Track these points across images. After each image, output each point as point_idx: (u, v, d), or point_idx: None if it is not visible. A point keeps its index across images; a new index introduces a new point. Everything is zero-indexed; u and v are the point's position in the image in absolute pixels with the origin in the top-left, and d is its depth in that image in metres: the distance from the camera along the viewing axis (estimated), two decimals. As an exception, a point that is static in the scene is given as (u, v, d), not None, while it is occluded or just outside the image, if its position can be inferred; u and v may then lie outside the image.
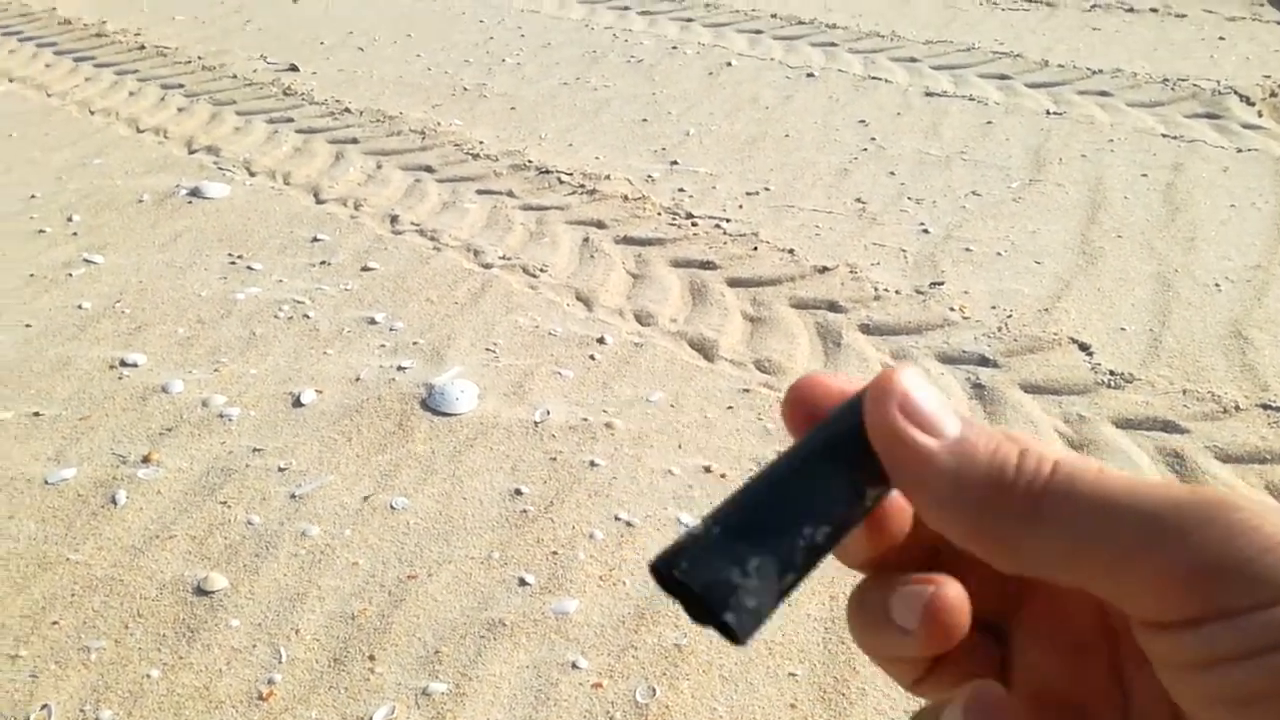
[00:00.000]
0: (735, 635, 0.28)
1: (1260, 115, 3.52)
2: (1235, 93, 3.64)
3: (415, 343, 2.43)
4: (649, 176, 3.29)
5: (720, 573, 0.28)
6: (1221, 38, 4.22)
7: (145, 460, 2.06)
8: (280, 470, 2.02)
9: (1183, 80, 3.76)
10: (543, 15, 4.94)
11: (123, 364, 2.38)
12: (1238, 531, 0.26)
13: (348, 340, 2.45)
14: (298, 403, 2.22)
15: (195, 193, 3.24)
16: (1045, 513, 0.28)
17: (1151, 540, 0.26)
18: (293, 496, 1.95)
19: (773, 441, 2.08)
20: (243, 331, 2.50)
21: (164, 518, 1.91)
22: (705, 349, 2.41)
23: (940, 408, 0.30)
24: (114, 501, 1.95)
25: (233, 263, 2.83)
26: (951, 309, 2.50)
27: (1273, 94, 3.65)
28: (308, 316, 2.55)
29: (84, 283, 2.75)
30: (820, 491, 0.29)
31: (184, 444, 2.11)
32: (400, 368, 2.33)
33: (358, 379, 2.30)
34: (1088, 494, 0.28)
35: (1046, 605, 0.33)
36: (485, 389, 2.25)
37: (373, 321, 2.52)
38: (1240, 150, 3.26)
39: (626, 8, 4.97)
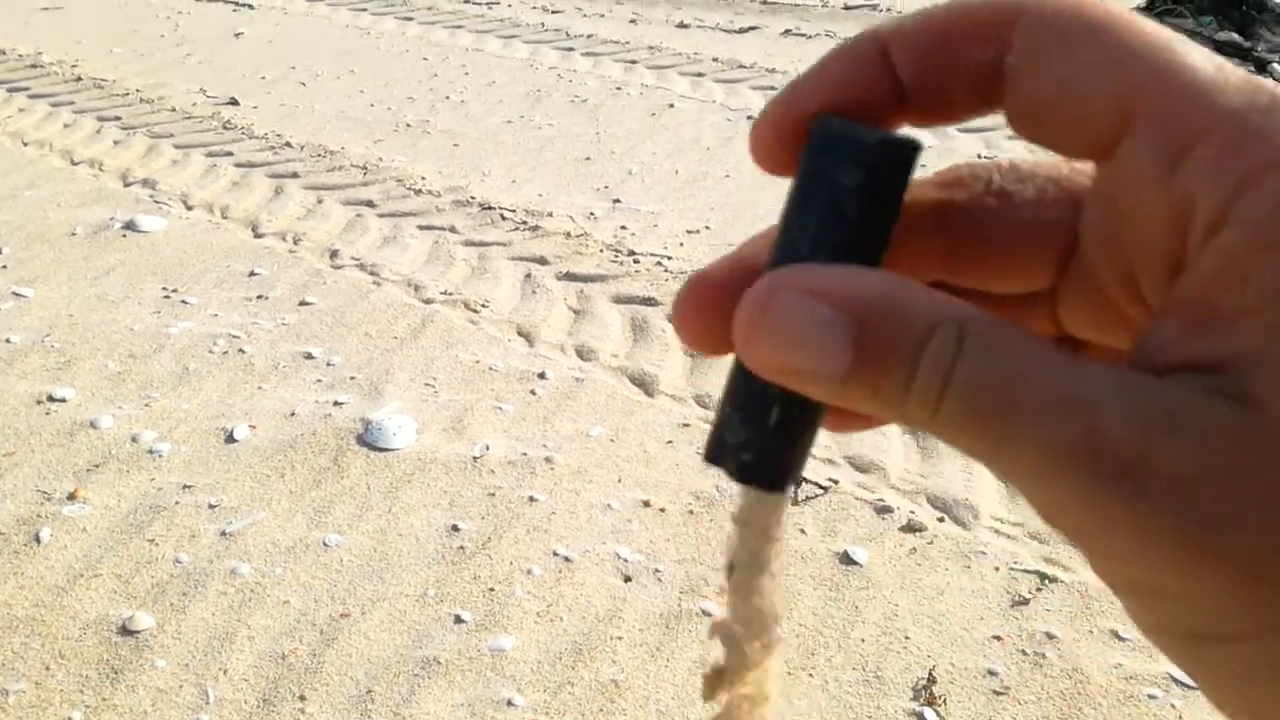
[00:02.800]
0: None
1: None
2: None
3: (353, 378, 2.41)
4: (591, 214, 3.31)
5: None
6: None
7: (71, 497, 2.01)
8: (211, 507, 1.99)
9: (1108, 127, 3.89)
10: (487, 54, 4.98)
11: (50, 399, 2.32)
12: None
13: (283, 375, 2.42)
14: (230, 438, 2.19)
15: (130, 226, 3.19)
16: (943, 417, 0.22)
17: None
18: (223, 534, 1.92)
19: (711, 475, 2.09)
20: (175, 366, 2.46)
21: (89, 556, 1.86)
22: (645, 384, 2.43)
23: (816, 342, 0.22)
24: (37, 539, 1.89)
25: (167, 297, 2.79)
26: (887, 346, 2.54)
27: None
28: (243, 351, 2.52)
29: (12, 316, 2.68)
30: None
31: (111, 480, 2.06)
32: (337, 403, 2.31)
33: (293, 414, 2.27)
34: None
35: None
36: (424, 424, 2.23)
37: (309, 356, 2.50)
38: None
39: (571, 49, 5.02)
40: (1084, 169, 0.26)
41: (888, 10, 5.43)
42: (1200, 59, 0.22)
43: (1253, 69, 4.62)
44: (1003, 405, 0.21)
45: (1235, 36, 4.87)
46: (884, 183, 0.24)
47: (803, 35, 5.14)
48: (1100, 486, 0.20)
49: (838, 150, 0.24)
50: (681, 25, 5.35)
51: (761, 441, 0.25)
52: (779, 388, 0.24)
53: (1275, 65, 4.57)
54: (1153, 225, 0.22)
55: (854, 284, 0.22)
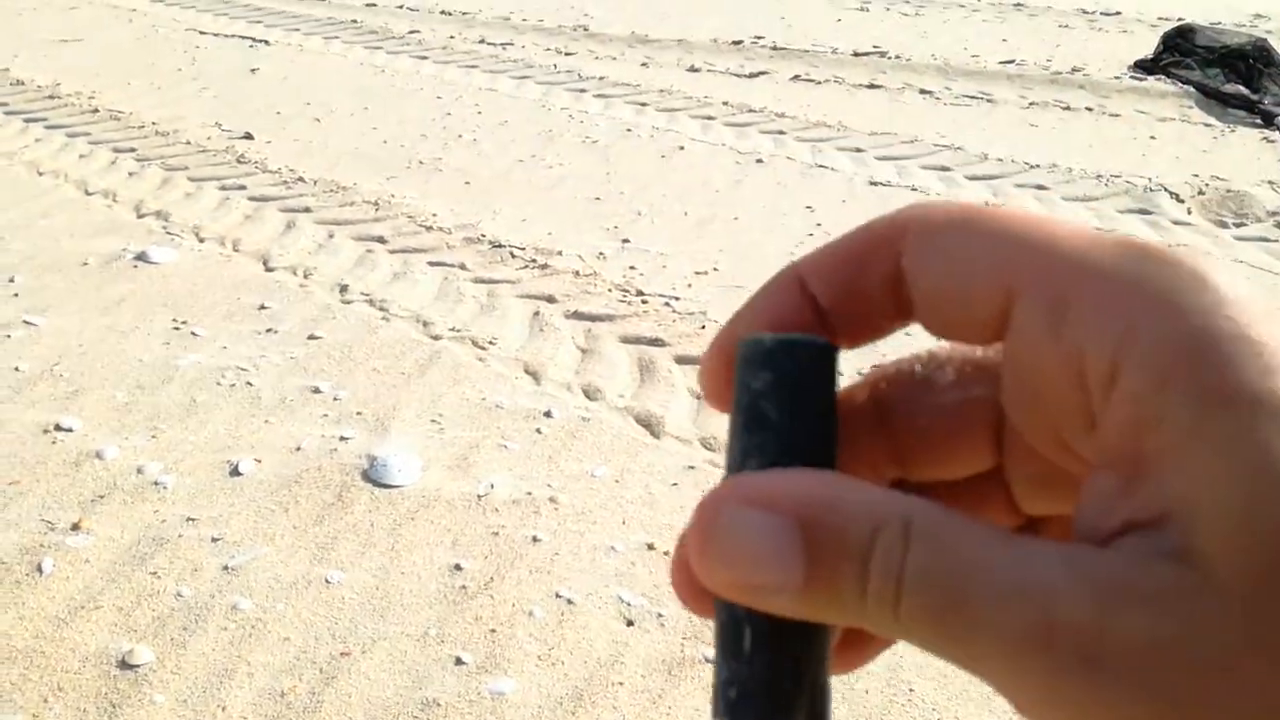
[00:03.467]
0: None
1: (1189, 212, 3.67)
2: (1165, 190, 3.80)
3: (359, 413, 2.41)
4: (601, 253, 3.33)
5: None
6: (1152, 137, 4.42)
7: (75, 527, 2.00)
8: (214, 540, 1.98)
9: (1115, 177, 3.91)
10: (500, 94, 5.03)
11: (58, 428, 2.32)
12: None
13: (290, 409, 2.43)
14: (235, 472, 2.19)
15: (142, 257, 3.22)
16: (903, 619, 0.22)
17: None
18: (225, 568, 1.91)
19: (716, 520, 2.08)
20: (183, 398, 2.47)
21: (91, 587, 1.85)
22: (651, 425, 2.42)
23: (766, 552, 0.22)
24: (40, 570, 1.89)
25: (176, 328, 2.80)
26: (893, 391, 2.54)
27: (1201, 192, 3.81)
28: (250, 384, 2.53)
29: (22, 345, 2.70)
30: None
31: (116, 512, 2.06)
32: (342, 438, 2.31)
33: (298, 449, 2.27)
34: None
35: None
36: (429, 461, 2.23)
37: (317, 391, 2.50)
38: (1170, 245, 3.39)
39: (583, 90, 5.08)
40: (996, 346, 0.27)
41: (895, 57, 5.48)
42: (1070, 230, 0.23)
43: (1260, 121, 4.65)
44: (956, 599, 0.21)
45: (1242, 89, 4.91)
46: (794, 380, 0.25)
47: (812, 81, 5.19)
48: (1062, 674, 0.20)
49: (750, 359, 0.25)
50: (692, 69, 5.41)
51: (742, 670, 0.24)
52: (745, 609, 0.23)
53: (1282, 118, 4.60)
54: (1057, 385, 0.23)
55: (791, 487, 0.22)
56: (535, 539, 2.00)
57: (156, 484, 2.15)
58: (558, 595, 1.86)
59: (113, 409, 2.42)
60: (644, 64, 5.51)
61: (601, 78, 5.24)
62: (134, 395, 2.48)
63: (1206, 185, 3.84)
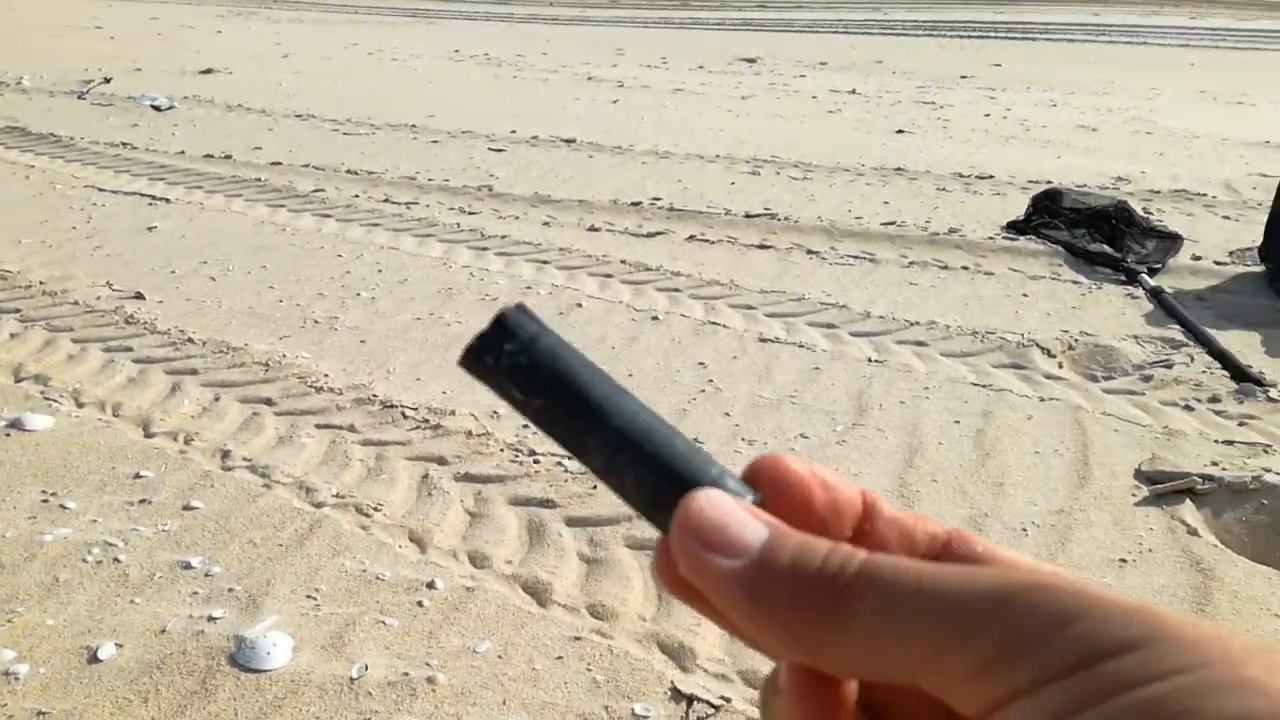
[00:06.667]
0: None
1: (1060, 367, 3.85)
2: (1037, 345, 3.99)
3: (231, 589, 2.32)
4: (495, 413, 3.33)
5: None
6: (1025, 294, 4.66)
7: (-93, 728, 1.86)
8: (62, 737, 1.86)
9: (990, 333, 4.10)
10: (401, 252, 5.09)
11: (-100, 614, 2.19)
12: (1032, 613, 0.26)
13: (158, 587, 2.33)
14: (94, 658, 2.07)
15: (15, 424, 3.11)
16: (847, 611, 0.28)
17: (950, 634, 0.26)
18: (73, 768, 1.79)
19: (600, 694, 2.04)
20: (45, 577, 2.35)
21: (-82, 797, 1.71)
22: (538, 593, 2.39)
23: (741, 523, 0.31)
24: None
25: (45, 501, 2.69)
26: (780, 553, 2.56)
27: (1071, 347, 4.01)
28: (118, 560, 2.42)
29: (-128, 521, 2.55)
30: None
31: (-44, 708, 1.92)
32: (211, 618, 2.21)
33: (163, 630, 2.17)
34: (888, 588, 0.28)
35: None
36: (301, 641, 2.15)
37: (188, 566, 2.41)
38: (1043, 399, 3.54)
39: (485, 248, 5.17)
40: None
41: (785, 219, 5.74)
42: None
43: (1124, 278, 4.96)
44: None
45: (1107, 248, 5.24)
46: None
47: (706, 240, 5.38)
48: None
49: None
50: (592, 229, 5.57)
51: None
52: None
53: (1144, 275, 4.91)
54: None
55: None
56: (410, 723, 1.93)
57: (8, 674, 2.02)
58: (430, 785, 1.79)
59: (-35, 591, 2.29)
60: (546, 223, 5.66)
61: (504, 236, 5.36)
62: (-10, 575, 2.35)
63: (1076, 340, 4.04)
